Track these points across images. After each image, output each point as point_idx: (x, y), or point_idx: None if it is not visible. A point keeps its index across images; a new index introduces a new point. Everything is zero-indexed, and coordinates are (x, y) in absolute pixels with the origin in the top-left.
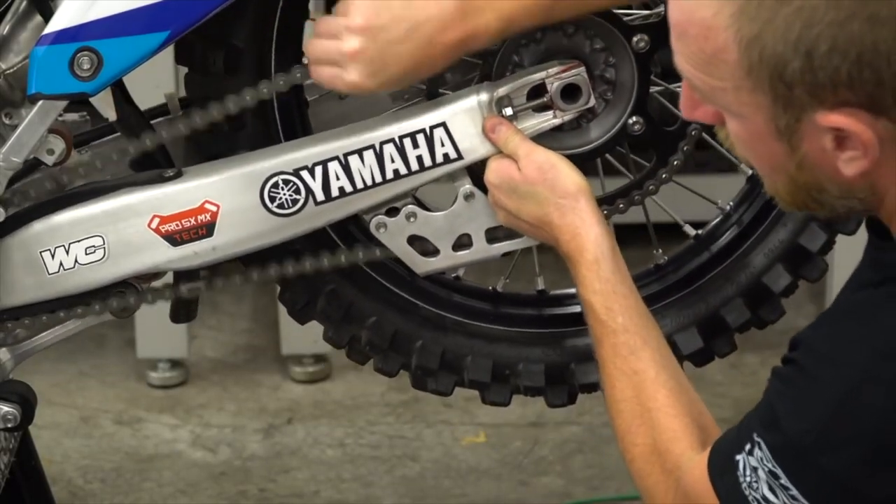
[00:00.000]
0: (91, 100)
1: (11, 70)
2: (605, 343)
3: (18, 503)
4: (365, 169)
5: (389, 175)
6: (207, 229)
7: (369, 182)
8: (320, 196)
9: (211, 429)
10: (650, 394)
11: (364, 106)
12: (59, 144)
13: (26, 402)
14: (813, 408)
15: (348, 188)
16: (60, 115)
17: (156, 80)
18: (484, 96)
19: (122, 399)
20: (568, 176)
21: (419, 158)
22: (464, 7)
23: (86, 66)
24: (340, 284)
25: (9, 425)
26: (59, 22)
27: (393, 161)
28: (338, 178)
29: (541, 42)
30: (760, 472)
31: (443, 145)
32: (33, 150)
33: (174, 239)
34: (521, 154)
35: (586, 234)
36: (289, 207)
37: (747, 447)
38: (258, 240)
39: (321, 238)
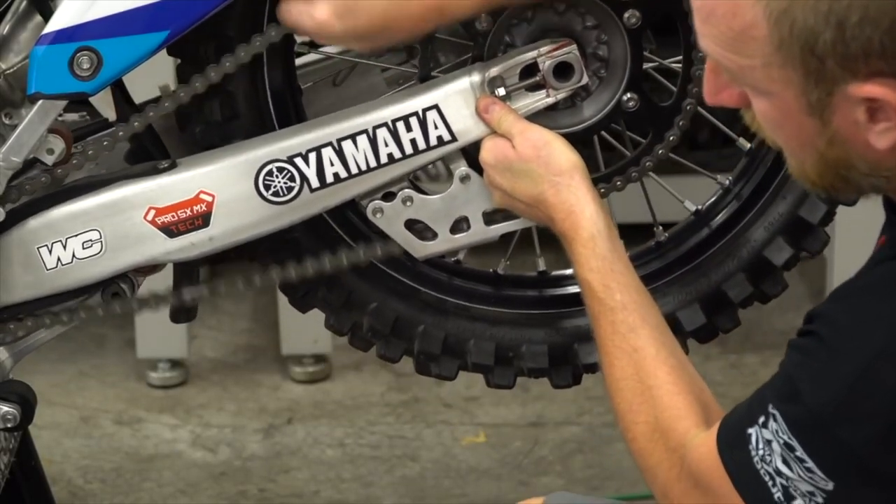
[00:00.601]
0: (91, 99)
1: (11, 70)
2: (603, 321)
3: (18, 503)
4: (359, 154)
5: (384, 159)
6: (203, 219)
7: (364, 167)
8: (315, 183)
9: (211, 429)
10: (650, 371)
11: (360, 93)
12: (58, 144)
13: (26, 402)
14: (833, 379)
15: (343, 174)
16: (60, 115)
17: (156, 81)
18: (476, 77)
19: (122, 399)
20: (562, 153)
21: (413, 142)
22: None
23: (85, 66)
24: (341, 272)
25: (8, 425)
26: (58, 22)
27: (387, 145)
28: (332, 164)
29: (532, 21)
30: (775, 445)
31: (436, 128)
32: (33, 150)
33: (171, 230)
34: (514, 132)
35: (581, 212)
36: (284, 195)
37: (761, 420)
38: (254, 228)
39: (323, 231)
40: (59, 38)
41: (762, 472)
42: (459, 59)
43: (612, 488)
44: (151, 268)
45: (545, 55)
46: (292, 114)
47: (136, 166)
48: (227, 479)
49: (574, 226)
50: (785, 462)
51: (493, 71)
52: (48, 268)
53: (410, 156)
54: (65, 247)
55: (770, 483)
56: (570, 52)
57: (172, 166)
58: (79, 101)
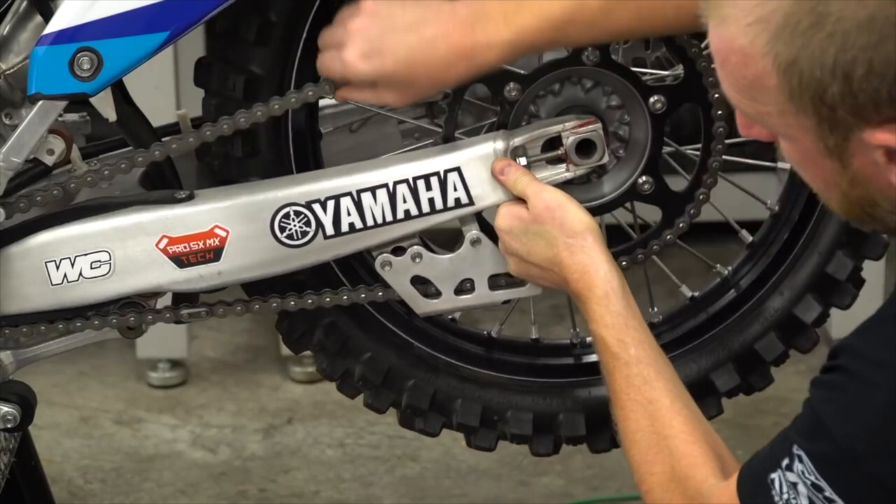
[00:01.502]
0: (91, 100)
1: (11, 70)
2: (617, 375)
3: (18, 503)
4: (377, 207)
5: (400, 215)
6: (215, 254)
7: (380, 220)
8: (330, 230)
9: (211, 429)
10: (666, 421)
11: (374, 141)
12: (58, 145)
13: (26, 403)
14: (863, 412)
15: (358, 224)
16: (60, 116)
17: (156, 81)
18: (500, 144)
19: (122, 399)
20: (576, 215)
21: (431, 201)
22: (476, 13)
23: (86, 67)
24: (339, 318)
25: (8, 426)
26: (59, 22)
27: (405, 201)
28: (349, 214)
29: (558, 95)
30: (801, 487)
31: (455, 190)
32: (33, 151)
33: (181, 260)
34: (529, 193)
35: (595, 272)
36: (298, 239)
37: (784, 462)
38: (264, 268)
39: (326, 274)
40: (60, 38)
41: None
42: (480, 122)
43: (612, 488)
44: (153, 294)
45: (570, 130)
46: (311, 157)
47: (153, 193)
48: (227, 479)
49: (589, 285)
50: (811, 501)
51: (518, 140)
52: (53, 283)
53: (426, 214)
54: (73, 264)
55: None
56: (594, 130)
57: (190, 197)
58: (79, 102)
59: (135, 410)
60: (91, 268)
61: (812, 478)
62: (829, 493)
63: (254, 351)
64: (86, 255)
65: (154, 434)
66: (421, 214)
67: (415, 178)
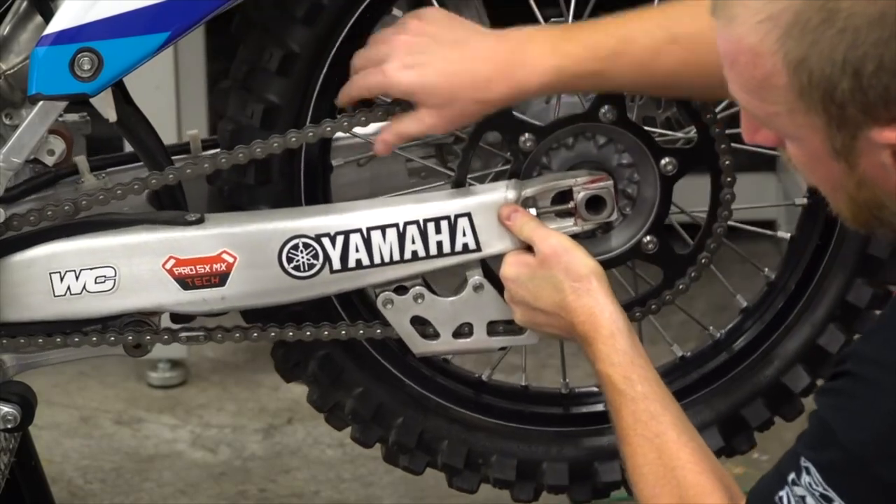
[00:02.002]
0: (91, 100)
1: (12, 70)
2: (624, 412)
3: (18, 503)
4: (385, 245)
5: (408, 255)
6: (221, 278)
7: (387, 259)
8: (337, 265)
9: (211, 429)
10: (673, 453)
11: (379, 177)
12: (59, 145)
13: (26, 403)
14: (872, 417)
15: (365, 261)
16: (60, 116)
17: (156, 81)
18: (512, 193)
19: (122, 399)
20: (581, 259)
21: (439, 244)
22: (524, 36)
23: (86, 67)
24: (335, 351)
25: (9, 426)
26: (59, 23)
27: (413, 242)
28: (357, 251)
29: (571, 148)
30: (809, 500)
31: (464, 235)
32: (33, 151)
33: (186, 283)
34: (536, 238)
35: (601, 313)
36: (304, 271)
37: (791, 477)
38: (268, 297)
39: (325, 306)
40: (60, 38)
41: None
42: (488, 167)
43: None
44: (153, 313)
45: (581, 185)
46: (320, 189)
47: (164, 213)
48: (227, 479)
49: (595, 326)
50: None
51: (529, 191)
52: (56, 294)
53: (433, 257)
54: (77, 277)
55: None
56: (606, 187)
57: (200, 221)
58: (79, 102)
59: (135, 410)
60: (95, 282)
61: (820, 489)
62: (837, 502)
63: (254, 351)
64: (91, 269)
65: (154, 434)
66: (428, 256)
67: (425, 220)
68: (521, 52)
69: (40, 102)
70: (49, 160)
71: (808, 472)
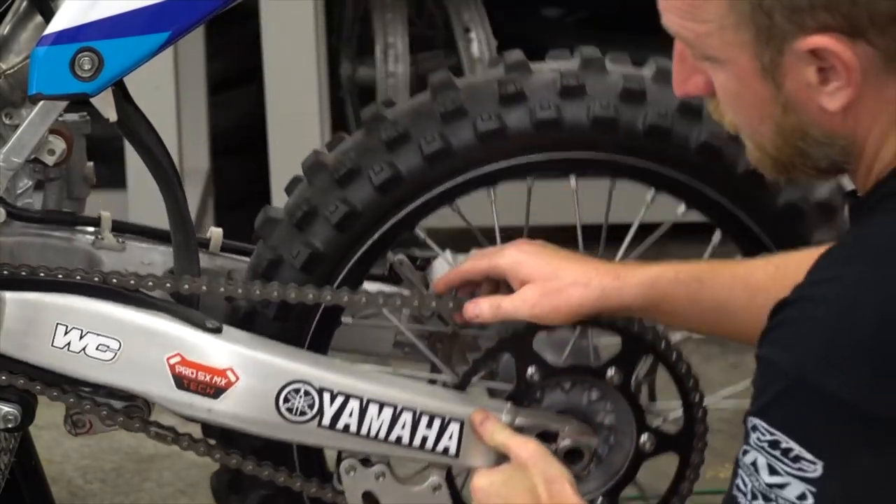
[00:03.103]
0: (92, 100)
1: (11, 70)
2: None
3: (18, 503)
4: (377, 421)
5: (392, 437)
6: (216, 392)
7: (372, 433)
8: (326, 421)
9: None
10: None
11: (367, 332)
12: (59, 145)
13: (27, 403)
14: (808, 332)
15: (353, 428)
16: (60, 116)
17: (156, 81)
18: (507, 417)
19: None
20: (555, 464)
21: (424, 438)
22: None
23: (87, 67)
24: (279, 496)
25: (9, 426)
26: (60, 22)
27: (403, 428)
28: (350, 416)
29: (567, 392)
30: (760, 459)
31: (450, 439)
32: (34, 151)
33: (182, 382)
34: (513, 444)
35: None
36: (295, 415)
37: (741, 454)
38: (250, 425)
39: (286, 451)
40: (61, 38)
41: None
42: (488, 369)
43: None
44: (133, 396)
45: (569, 434)
46: (325, 340)
47: (187, 310)
48: None
49: None
50: (772, 470)
51: (522, 420)
52: (53, 344)
53: (413, 448)
54: (81, 337)
55: None
56: (590, 444)
57: (219, 330)
58: (79, 102)
59: None
60: (97, 349)
61: (767, 436)
62: (784, 441)
63: None
64: (98, 335)
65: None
66: (409, 445)
67: (421, 412)
68: (618, 266)
69: (41, 102)
70: (49, 160)
71: (755, 429)
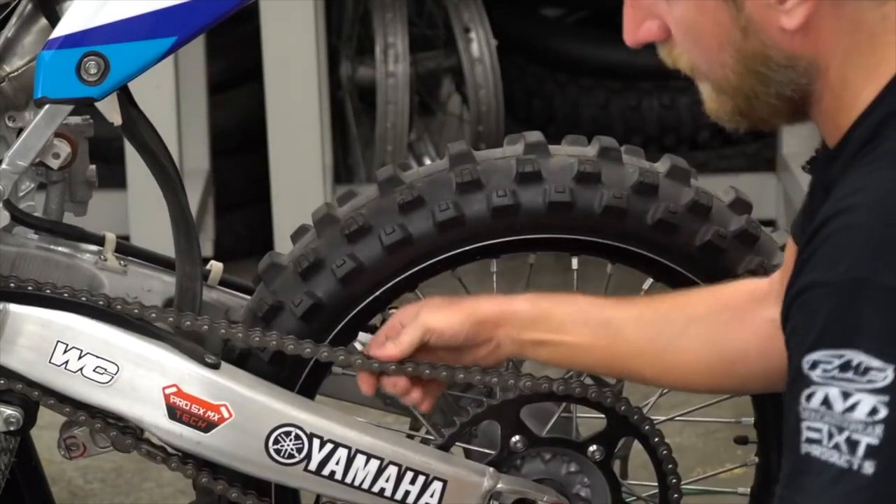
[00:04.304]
0: (97, 104)
1: (15, 73)
2: None
3: (18, 503)
4: (362, 471)
5: (375, 489)
6: (207, 426)
7: (357, 483)
8: (313, 466)
9: None
10: None
11: (348, 381)
12: (64, 149)
13: (29, 405)
14: (853, 244)
15: (338, 476)
16: (64, 119)
17: (156, 81)
18: (488, 483)
19: None
20: None
21: (406, 493)
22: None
23: (93, 71)
24: None
25: (11, 428)
26: (66, 26)
27: (386, 481)
28: (337, 463)
29: (546, 463)
30: (831, 391)
31: (430, 497)
32: (39, 154)
33: (175, 413)
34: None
35: None
36: (282, 457)
37: (805, 404)
38: (237, 462)
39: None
40: (67, 42)
41: (825, 449)
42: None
43: None
44: (121, 418)
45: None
46: (313, 387)
47: (188, 344)
48: None
49: None
50: (845, 395)
51: (503, 486)
52: (51, 361)
53: (395, 501)
54: (80, 357)
55: (833, 453)
56: None
57: (217, 366)
58: (84, 106)
59: None
60: (94, 370)
61: (834, 363)
62: (850, 354)
63: None
64: (98, 357)
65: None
66: (391, 498)
67: (407, 468)
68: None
69: (46, 106)
70: (54, 163)
71: (816, 365)
